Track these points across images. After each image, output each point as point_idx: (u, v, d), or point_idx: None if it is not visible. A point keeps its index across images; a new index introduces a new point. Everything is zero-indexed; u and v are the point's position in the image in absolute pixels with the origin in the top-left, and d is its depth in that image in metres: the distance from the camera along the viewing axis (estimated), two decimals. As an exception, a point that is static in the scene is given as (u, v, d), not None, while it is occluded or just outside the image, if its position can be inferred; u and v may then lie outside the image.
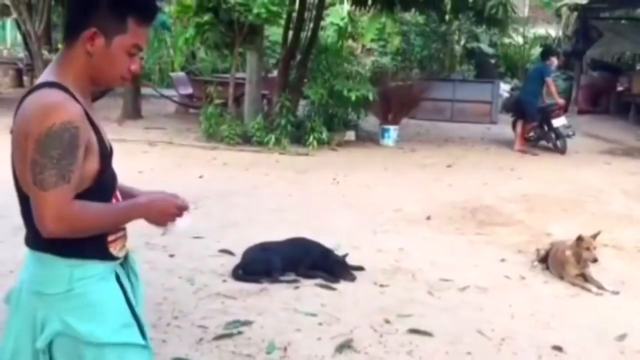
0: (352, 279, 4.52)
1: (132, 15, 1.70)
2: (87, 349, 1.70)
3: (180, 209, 1.82)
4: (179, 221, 1.83)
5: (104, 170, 1.71)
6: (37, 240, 1.67)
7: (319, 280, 4.46)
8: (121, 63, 1.73)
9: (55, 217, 1.58)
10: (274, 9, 9.40)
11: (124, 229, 1.84)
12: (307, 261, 4.59)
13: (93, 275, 1.73)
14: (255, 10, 9.23)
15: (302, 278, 4.50)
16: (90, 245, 1.71)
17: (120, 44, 1.70)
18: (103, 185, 1.73)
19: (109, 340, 1.71)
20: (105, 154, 1.73)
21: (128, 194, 1.88)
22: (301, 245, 4.75)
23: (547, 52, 11.23)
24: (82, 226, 1.65)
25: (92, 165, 1.67)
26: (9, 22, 21.22)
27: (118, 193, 1.84)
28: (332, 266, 4.56)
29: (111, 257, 1.78)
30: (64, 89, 1.64)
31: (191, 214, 1.87)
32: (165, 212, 1.80)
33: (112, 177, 1.80)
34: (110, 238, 1.77)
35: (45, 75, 1.71)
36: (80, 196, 1.65)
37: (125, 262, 1.88)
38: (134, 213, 1.78)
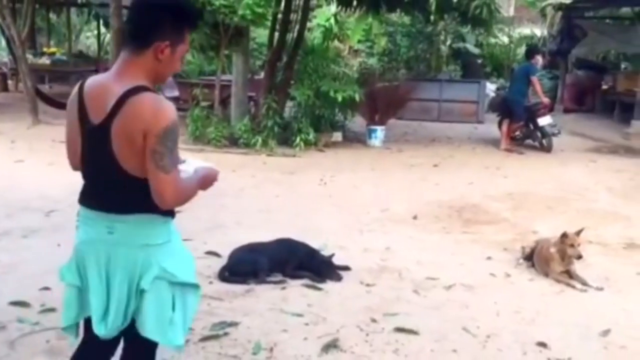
0: (339, 278, 4.54)
1: (188, 27, 2.16)
2: (176, 288, 2.18)
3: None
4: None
5: None
6: (138, 206, 2.11)
7: (305, 281, 4.47)
8: (177, 65, 2.19)
9: (174, 193, 2.07)
10: (259, 10, 9.39)
11: None
12: (294, 262, 4.59)
13: (174, 229, 2.24)
14: (240, 12, 9.21)
15: (288, 279, 4.51)
16: None
17: (181, 51, 2.16)
18: None
19: (192, 281, 2.24)
20: None
21: None
22: (287, 246, 4.75)
23: (532, 50, 11.30)
24: (186, 198, 2.16)
25: None
26: (-7, 26, 21.06)
27: None
28: (318, 266, 4.57)
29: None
30: (154, 92, 2.09)
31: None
32: (213, 180, 2.33)
33: None
34: None
35: (117, 77, 2.09)
36: None
37: None
38: (200, 184, 2.26)
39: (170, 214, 2.21)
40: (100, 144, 2.08)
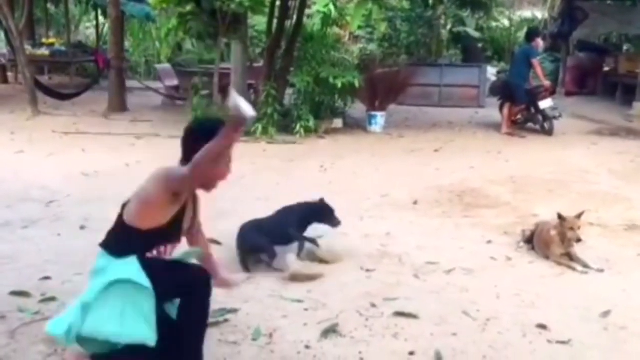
0: (338, 223, 4.75)
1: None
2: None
3: None
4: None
5: None
6: None
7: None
8: None
9: None
10: (257, -3, 9.36)
11: None
12: (294, 223, 4.68)
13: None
14: (237, -1, 9.18)
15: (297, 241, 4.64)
16: None
17: None
18: None
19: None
20: None
21: None
22: (283, 213, 4.83)
23: (532, 33, 11.21)
24: None
25: None
26: (-9, 18, 20.92)
27: None
28: (320, 215, 4.74)
29: None
30: None
31: None
32: None
33: None
34: None
35: None
36: None
37: None
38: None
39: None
40: None
